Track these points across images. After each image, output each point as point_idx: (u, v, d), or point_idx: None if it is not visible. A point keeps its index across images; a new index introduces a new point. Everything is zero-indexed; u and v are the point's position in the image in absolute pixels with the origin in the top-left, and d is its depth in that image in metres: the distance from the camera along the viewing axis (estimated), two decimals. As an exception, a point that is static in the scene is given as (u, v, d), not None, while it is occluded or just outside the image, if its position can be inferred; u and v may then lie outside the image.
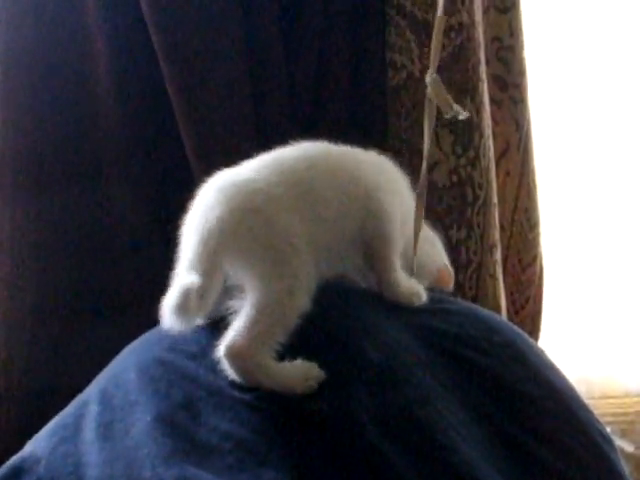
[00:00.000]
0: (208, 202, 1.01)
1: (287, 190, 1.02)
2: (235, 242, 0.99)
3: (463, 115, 1.20)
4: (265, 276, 0.99)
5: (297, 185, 1.04)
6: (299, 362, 0.98)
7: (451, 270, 1.28)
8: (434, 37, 1.19)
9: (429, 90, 1.18)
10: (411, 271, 1.16)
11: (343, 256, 1.10)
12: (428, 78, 1.17)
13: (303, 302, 0.99)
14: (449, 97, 1.17)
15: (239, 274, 1.00)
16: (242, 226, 0.99)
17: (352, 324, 1.04)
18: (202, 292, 0.96)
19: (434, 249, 1.25)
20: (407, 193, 1.19)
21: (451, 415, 0.97)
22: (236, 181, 1.03)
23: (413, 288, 1.13)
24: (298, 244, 1.00)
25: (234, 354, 0.96)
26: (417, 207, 1.17)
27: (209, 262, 0.98)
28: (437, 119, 1.20)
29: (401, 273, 1.12)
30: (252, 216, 0.99)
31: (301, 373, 0.97)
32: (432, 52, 1.19)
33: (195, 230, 1.00)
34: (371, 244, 1.11)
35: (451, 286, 1.28)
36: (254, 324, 0.97)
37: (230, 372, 0.96)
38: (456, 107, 1.18)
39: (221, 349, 0.97)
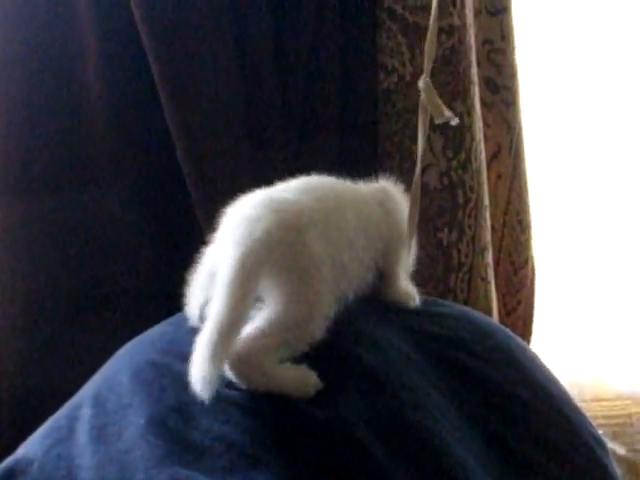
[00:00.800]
0: (251, 215, 0.99)
1: (322, 217, 1.02)
2: (276, 255, 0.97)
3: (454, 121, 1.20)
4: (291, 295, 0.98)
5: (329, 214, 1.04)
6: (299, 368, 0.97)
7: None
8: (427, 42, 1.19)
9: (422, 95, 1.18)
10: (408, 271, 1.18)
11: (357, 279, 1.09)
12: (421, 83, 1.17)
13: (319, 328, 0.97)
14: (441, 102, 1.17)
15: (266, 286, 0.98)
16: (284, 241, 0.97)
17: (345, 328, 1.04)
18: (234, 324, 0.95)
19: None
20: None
21: (444, 419, 0.98)
22: (279, 199, 1.02)
23: (410, 290, 1.14)
24: (325, 271, 1.00)
25: (238, 360, 0.95)
26: (411, 209, 1.17)
27: (249, 277, 0.95)
28: (430, 123, 1.20)
29: (402, 276, 1.13)
30: (294, 234, 0.98)
31: (300, 379, 0.97)
32: (425, 57, 1.19)
33: (235, 242, 0.97)
34: (386, 265, 1.13)
35: None
36: (265, 336, 0.95)
37: (228, 373, 0.96)
38: (447, 113, 1.18)
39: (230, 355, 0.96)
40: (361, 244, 1.07)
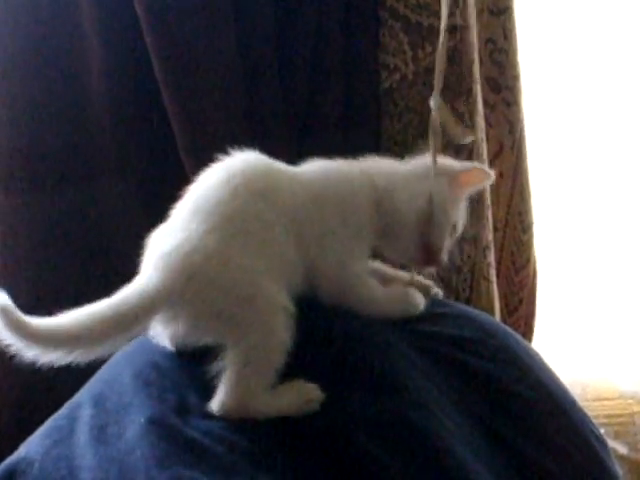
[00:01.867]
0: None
1: (223, 238, 1.00)
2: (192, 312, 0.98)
3: (469, 139, 1.20)
4: (235, 332, 0.98)
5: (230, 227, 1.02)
6: (297, 385, 0.98)
7: (469, 165, 1.24)
8: (437, 59, 1.19)
9: (433, 114, 1.18)
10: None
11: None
12: (432, 102, 1.17)
13: (283, 339, 0.97)
14: (456, 120, 1.18)
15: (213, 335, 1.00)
16: (188, 295, 0.97)
17: (347, 330, 1.05)
18: None
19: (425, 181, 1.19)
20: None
21: (446, 418, 0.98)
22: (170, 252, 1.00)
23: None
24: (256, 286, 0.99)
25: (229, 413, 0.96)
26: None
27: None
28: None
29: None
30: (192, 282, 0.97)
31: (301, 397, 0.97)
32: (436, 75, 1.19)
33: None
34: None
35: (491, 178, 1.23)
36: (241, 379, 0.96)
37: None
38: (464, 133, 1.19)
39: (214, 408, 0.96)
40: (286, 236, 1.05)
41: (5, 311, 0.90)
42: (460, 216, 1.20)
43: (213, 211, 1.02)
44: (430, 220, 1.15)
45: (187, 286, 0.96)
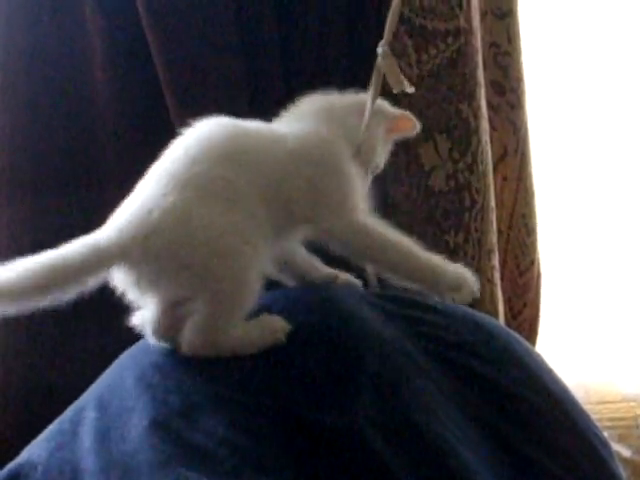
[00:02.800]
0: None
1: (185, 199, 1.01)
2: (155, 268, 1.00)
3: (410, 89, 1.22)
4: (201, 284, 1.00)
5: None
6: (262, 318, 1.01)
7: (403, 112, 1.27)
8: (392, 7, 1.20)
9: (379, 60, 1.19)
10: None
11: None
12: (379, 49, 1.19)
13: (249, 289, 1.00)
14: (399, 72, 1.19)
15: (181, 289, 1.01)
16: (149, 253, 0.98)
17: (352, 331, 1.04)
18: None
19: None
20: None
21: (449, 420, 0.98)
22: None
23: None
24: (221, 240, 1.00)
25: (197, 351, 0.99)
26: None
27: None
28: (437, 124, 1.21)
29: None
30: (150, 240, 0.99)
31: (267, 329, 1.00)
32: (388, 23, 1.20)
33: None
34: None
35: (416, 127, 1.27)
36: (209, 321, 0.99)
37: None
38: (405, 82, 1.20)
39: (184, 348, 1.00)
40: (262, 198, 1.05)
41: None
42: (383, 158, 1.26)
43: (175, 175, 1.03)
44: (358, 153, 1.17)
45: (145, 244, 0.97)
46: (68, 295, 0.97)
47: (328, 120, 1.18)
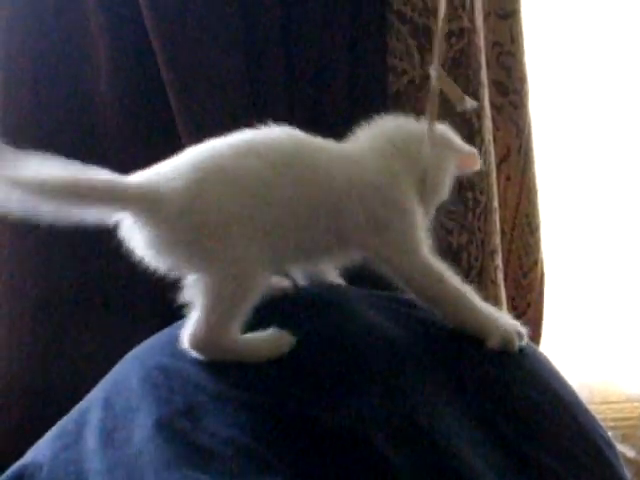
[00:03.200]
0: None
1: (233, 177, 1.02)
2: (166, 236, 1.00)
3: (473, 105, 1.20)
4: (206, 264, 1.00)
5: (246, 175, 1.03)
6: (270, 331, 1.00)
7: (471, 149, 1.23)
8: (438, 28, 1.19)
9: (433, 82, 1.17)
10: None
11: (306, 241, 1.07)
12: (432, 72, 1.17)
13: (253, 285, 1.00)
14: (458, 89, 1.18)
15: (186, 264, 1.02)
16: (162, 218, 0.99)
17: (356, 331, 1.05)
18: None
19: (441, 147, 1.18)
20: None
21: (454, 421, 0.97)
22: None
23: None
24: (238, 229, 1.00)
25: (199, 345, 0.98)
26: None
27: None
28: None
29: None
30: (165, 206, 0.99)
31: (272, 341, 1.00)
32: (435, 43, 1.19)
33: None
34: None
35: (478, 166, 1.24)
36: (211, 312, 0.98)
37: (201, 358, 0.99)
38: (467, 99, 1.18)
39: (185, 341, 0.99)
40: (306, 210, 1.04)
41: None
42: (445, 196, 1.21)
43: (214, 156, 1.04)
44: (422, 186, 1.14)
45: (162, 203, 0.99)
46: (75, 217, 0.98)
47: (392, 149, 1.15)
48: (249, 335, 1.00)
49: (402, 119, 1.21)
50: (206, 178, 1.00)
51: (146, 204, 0.99)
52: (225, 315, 0.99)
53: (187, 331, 0.99)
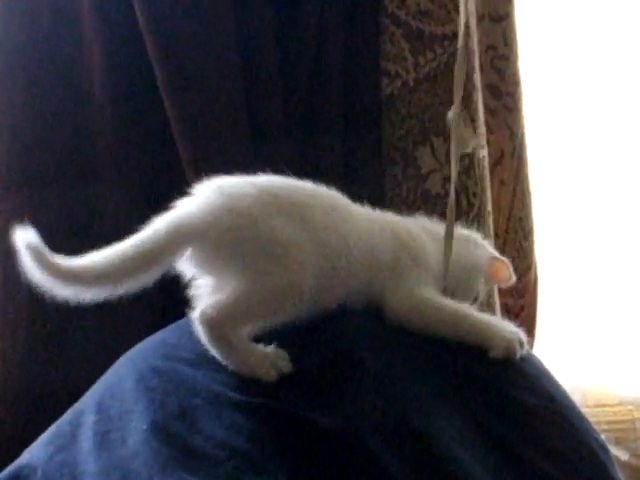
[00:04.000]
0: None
1: (287, 207, 1.04)
2: (227, 239, 1.01)
3: (483, 148, 1.22)
4: (255, 271, 1.00)
5: (301, 206, 1.06)
6: (275, 350, 0.99)
7: (504, 260, 1.27)
8: (456, 72, 1.20)
9: (453, 126, 1.19)
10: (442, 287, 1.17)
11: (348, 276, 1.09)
12: (450, 114, 1.18)
13: (288, 303, 1.00)
14: (467, 135, 1.20)
15: (223, 267, 1.02)
16: (234, 227, 1.01)
17: (352, 335, 1.05)
18: None
19: (469, 249, 1.24)
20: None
21: (449, 424, 0.97)
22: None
23: None
24: (295, 251, 1.01)
25: (209, 321, 0.98)
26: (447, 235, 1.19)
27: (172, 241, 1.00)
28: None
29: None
30: (244, 220, 1.01)
31: (271, 360, 0.98)
32: (455, 88, 1.20)
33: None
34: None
35: (512, 278, 1.27)
36: (234, 304, 0.99)
37: (202, 338, 0.98)
38: (472, 142, 1.21)
39: (197, 312, 0.99)
40: (355, 248, 1.07)
41: (36, 251, 0.95)
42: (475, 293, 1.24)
43: (270, 187, 1.07)
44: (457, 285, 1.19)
45: (218, 228, 1.00)
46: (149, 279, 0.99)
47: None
48: (252, 344, 0.99)
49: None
50: (262, 203, 1.03)
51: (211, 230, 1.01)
52: (247, 314, 1.00)
53: (202, 306, 0.99)
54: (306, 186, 1.10)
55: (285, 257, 1.00)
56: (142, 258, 0.97)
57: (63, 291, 0.95)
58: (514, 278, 1.27)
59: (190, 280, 1.06)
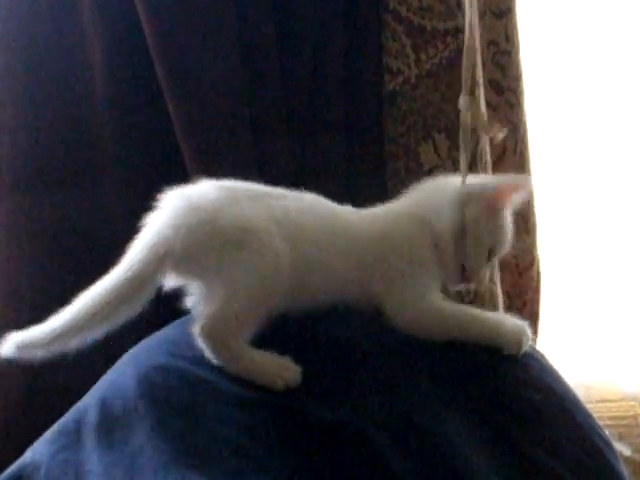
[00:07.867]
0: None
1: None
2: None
3: (503, 132, 1.20)
4: (229, 264, 1.01)
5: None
6: (283, 359, 1.00)
7: (502, 185, 1.20)
8: (464, 58, 1.19)
9: (462, 114, 1.19)
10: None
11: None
12: (461, 101, 1.18)
13: (272, 295, 1.01)
14: (485, 118, 1.18)
15: (202, 275, 1.04)
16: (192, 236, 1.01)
17: (355, 332, 1.05)
18: None
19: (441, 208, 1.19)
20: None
21: (452, 421, 0.98)
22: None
23: None
24: (259, 234, 1.02)
25: (209, 333, 0.99)
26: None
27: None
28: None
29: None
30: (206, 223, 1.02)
31: (279, 369, 0.99)
32: (463, 73, 1.20)
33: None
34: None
35: (527, 187, 1.23)
36: (226, 309, 0.99)
37: (207, 352, 0.99)
38: (495, 127, 1.19)
39: (196, 328, 0.99)
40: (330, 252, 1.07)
41: (22, 345, 1.02)
42: (500, 236, 1.18)
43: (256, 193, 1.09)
44: (464, 244, 1.14)
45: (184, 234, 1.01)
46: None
47: (417, 204, 1.19)
48: (260, 353, 1.00)
49: (448, 177, 1.23)
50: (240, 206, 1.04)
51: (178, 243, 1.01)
52: (240, 315, 1.00)
53: (199, 321, 1.00)
54: (276, 189, 1.11)
55: (254, 244, 1.01)
56: (130, 292, 1.00)
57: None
58: (529, 180, 1.26)
59: (182, 289, 1.07)
